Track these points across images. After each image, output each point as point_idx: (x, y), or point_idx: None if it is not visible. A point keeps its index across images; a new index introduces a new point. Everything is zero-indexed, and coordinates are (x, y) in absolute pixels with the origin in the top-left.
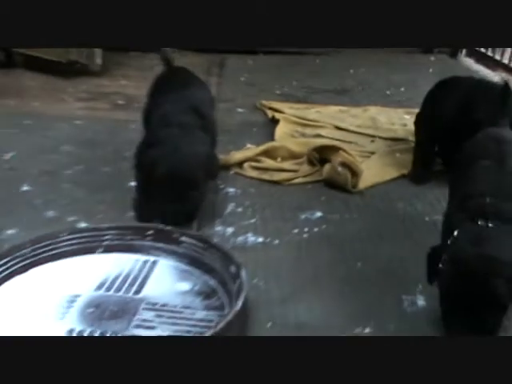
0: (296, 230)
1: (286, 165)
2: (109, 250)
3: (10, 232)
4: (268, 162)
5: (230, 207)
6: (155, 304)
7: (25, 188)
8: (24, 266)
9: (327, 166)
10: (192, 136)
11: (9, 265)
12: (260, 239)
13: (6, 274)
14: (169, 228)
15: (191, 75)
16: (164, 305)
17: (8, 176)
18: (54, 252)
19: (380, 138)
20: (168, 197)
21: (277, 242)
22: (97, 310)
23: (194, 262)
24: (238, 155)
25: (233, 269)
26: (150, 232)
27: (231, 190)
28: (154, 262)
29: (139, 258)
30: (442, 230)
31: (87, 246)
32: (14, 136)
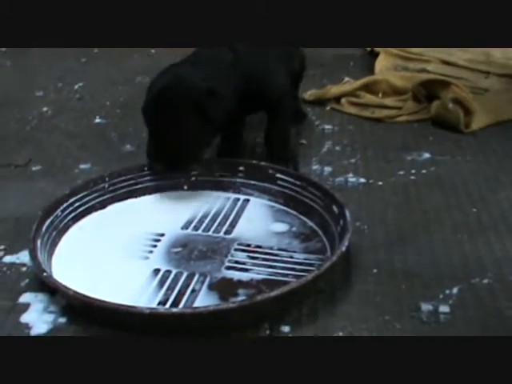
0: (402, 172)
1: (389, 101)
2: (196, 187)
3: (83, 166)
4: (368, 98)
5: (327, 145)
6: (248, 245)
7: (97, 120)
8: (102, 201)
9: (436, 103)
10: (196, 68)
11: (85, 200)
12: (362, 180)
13: (83, 210)
14: (263, 164)
15: None
16: (258, 246)
17: (78, 107)
18: (135, 187)
19: (495, 74)
20: (150, 136)
21: (380, 183)
22: (184, 249)
23: (291, 201)
24: (334, 89)
25: (335, 208)
26: (242, 168)
27: (328, 126)
28: (246, 201)
29: (230, 195)
30: None
31: (172, 182)
32: (82, 66)
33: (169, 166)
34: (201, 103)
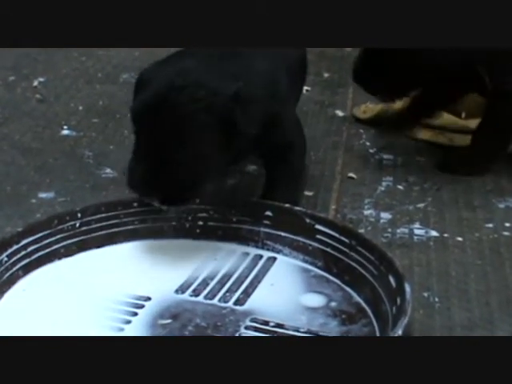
0: (490, 224)
1: (475, 123)
2: (203, 235)
3: (43, 196)
4: (446, 118)
5: (386, 183)
6: (266, 322)
7: (65, 132)
8: (68, 246)
9: None
10: (213, 62)
11: (44, 242)
12: (433, 233)
13: (40, 257)
14: (298, 209)
15: None
16: (279, 325)
17: (39, 112)
18: (117, 230)
19: None
20: (139, 153)
21: (460, 239)
22: (175, 322)
23: (333, 264)
24: (398, 105)
25: (392, 280)
26: (269, 213)
27: (387, 156)
28: (272, 260)
29: (249, 250)
30: None
31: (169, 227)
32: (45, 53)
33: (164, 200)
34: (227, 114)
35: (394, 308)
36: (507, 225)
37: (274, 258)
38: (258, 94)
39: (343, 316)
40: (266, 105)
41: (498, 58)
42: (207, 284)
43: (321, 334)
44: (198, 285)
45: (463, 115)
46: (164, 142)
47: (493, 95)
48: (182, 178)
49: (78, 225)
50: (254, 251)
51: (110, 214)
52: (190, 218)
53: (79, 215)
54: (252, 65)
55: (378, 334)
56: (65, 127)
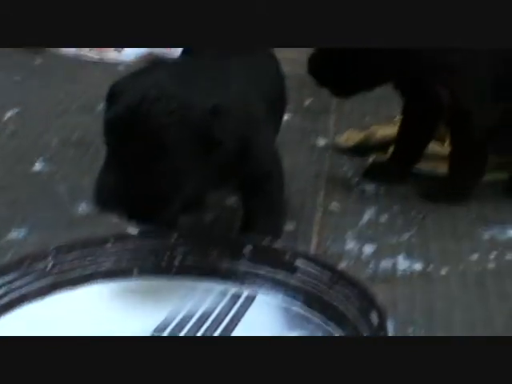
0: (476, 255)
1: None
2: (180, 273)
3: (14, 234)
4: (430, 147)
5: (369, 213)
6: None
7: (38, 167)
8: (41, 288)
9: None
10: (188, 75)
11: (15, 285)
12: (417, 266)
13: (10, 301)
14: (278, 245)
15: None
16: None
17: (11, 146)
18: (90, 270)
19: None
20: (109, 166)
21: (445, 271)
22: None
23: (313, 301)
24: (381, 132)
25: (374, 317)
26: (248, 249)
27: (370, 186)
28: (250, 299)
29: (226, 288)
30: None
31: (143, 265)
32: (17, 84)
33: (132, 215)
34: (203, 128)
35: None
36: (492, 256)
37: (253, 297)
38: (234, 112)
39: None
40: (241, 125)
41: (455, 75)
42: (184, 324)
43: None
44: (176, 325)
45: (446, 143)
46: (136, 154)
47: (451, 114)
48: (153, 192)
49: (50, 265)
50: (232, 290)
51: (84, 252)
52: (167, 255)
53: (52, 255)
54: (227, 83)
55: None
56: (38, 161)
